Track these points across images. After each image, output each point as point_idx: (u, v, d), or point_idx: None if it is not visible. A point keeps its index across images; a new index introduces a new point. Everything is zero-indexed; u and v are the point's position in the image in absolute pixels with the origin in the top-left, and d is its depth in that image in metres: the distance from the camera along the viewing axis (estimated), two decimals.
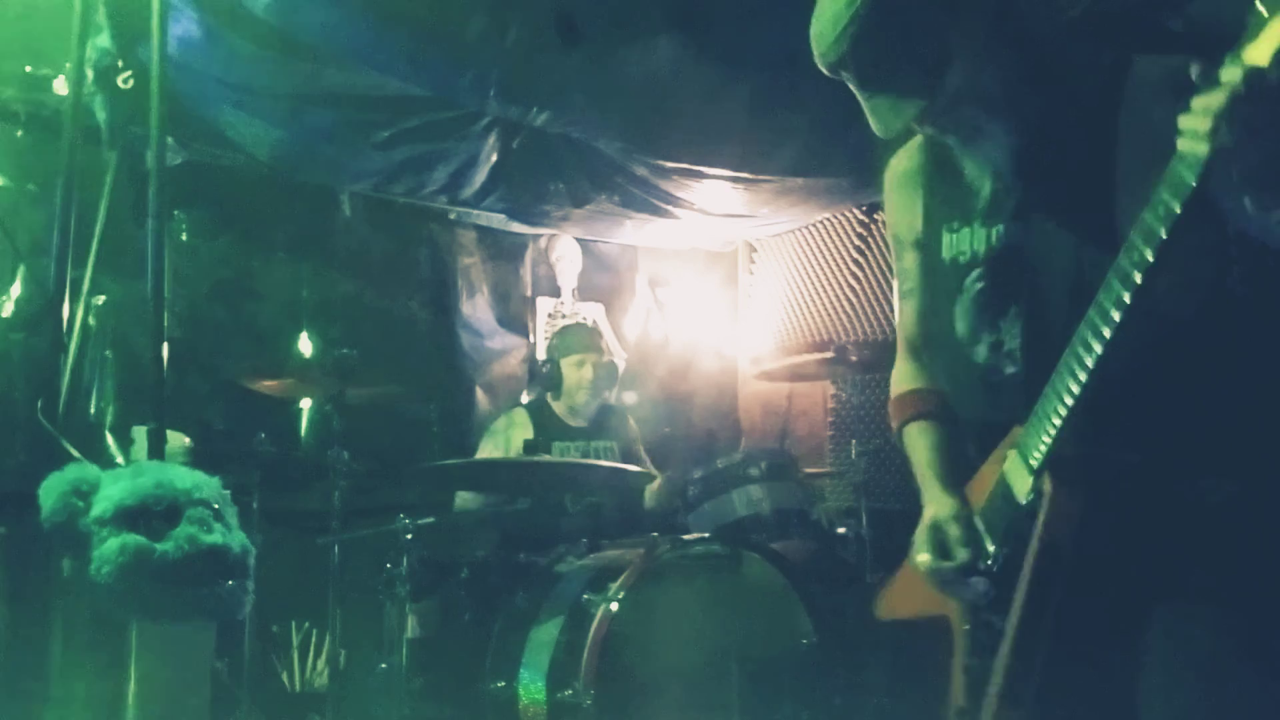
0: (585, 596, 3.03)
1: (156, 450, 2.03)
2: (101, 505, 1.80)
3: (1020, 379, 1.59)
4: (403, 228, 4.98)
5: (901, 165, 1.84)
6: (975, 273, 1.65)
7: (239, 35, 3.32)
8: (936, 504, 1.70)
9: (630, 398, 4.57)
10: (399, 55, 3.54)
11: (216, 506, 1.89)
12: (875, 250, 5.29)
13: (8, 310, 3.51)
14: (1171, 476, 1.46)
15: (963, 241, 1.67)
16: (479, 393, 5.09)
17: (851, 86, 1.59)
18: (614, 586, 2.98)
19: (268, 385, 3.85)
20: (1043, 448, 1.47)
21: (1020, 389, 1.57)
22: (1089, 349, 1.37)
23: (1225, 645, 1.42)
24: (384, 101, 3.85)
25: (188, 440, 3.37)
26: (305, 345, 4.58)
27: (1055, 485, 1.47)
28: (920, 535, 1.68)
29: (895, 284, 1.89)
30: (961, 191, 1.68)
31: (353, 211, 4.78)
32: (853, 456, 4.06)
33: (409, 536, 3.33)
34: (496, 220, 5.21)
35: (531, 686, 3.02)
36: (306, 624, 4.25)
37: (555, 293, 5.42)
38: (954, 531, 1.63)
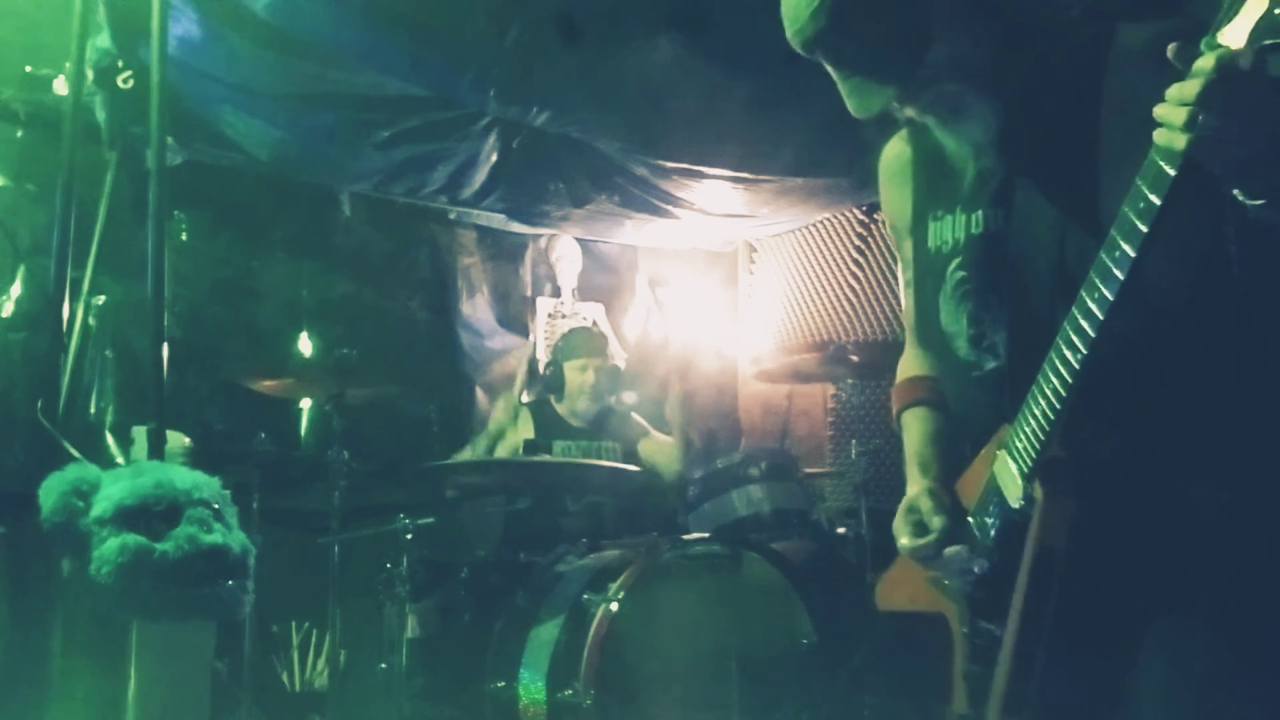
0: (585, 596, 3.03)
1: (156, 450, 2.03)
2: (101, 505, 1.80)
3: (1004, 374, 1.54)
4: (403, 228, 4.98)
5: (891, 154, 1.80)
6: (955, 262, 1.60)
7: (239, 35, 3.32)
8: (911, 486, 1.69)
9: (630, 398, 4.57)
10: (399, 55, 3.54)
11: (216, 506, 1.89)
12: (875, 250, 5.28)
13: (8, 310, 3.51)
14: (1165, 482, 1.42)
15: (945, 230, 1.63)
16: (479, 393, 5.09)
17: (827, 67, 1.55)
18: (614, 586, 2.98)
19: (268, 385, 3.85)
20: (1033, 451, 1.42)
21: (1004, 384, 1.53)
22: (1074, 348, 1.31)
23: (1219, 657, 1.40)
24: (384, 101, 3.85)
25: (188, 440, 3.37)
26: (305, 345, 4.58)
27: (1047, 491, 1.42)
28: (898, 521, 1.66)
29: (899, 273, 1.86)
30: (944, 179, 1.64)
31: (353, 211, 4.78)
32: (853, 456, 4.05)
33: (409, 536, 3.33)
34: (496, 220, 5.21)
35: (531, 686, 3.02)
36: (306, 624, 4.25)
37: (555, 293, 5.42)
38: (925, 504, 1.63)
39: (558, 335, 5.18)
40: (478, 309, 5.18)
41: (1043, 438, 1.40)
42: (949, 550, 1.59)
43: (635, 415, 4.38)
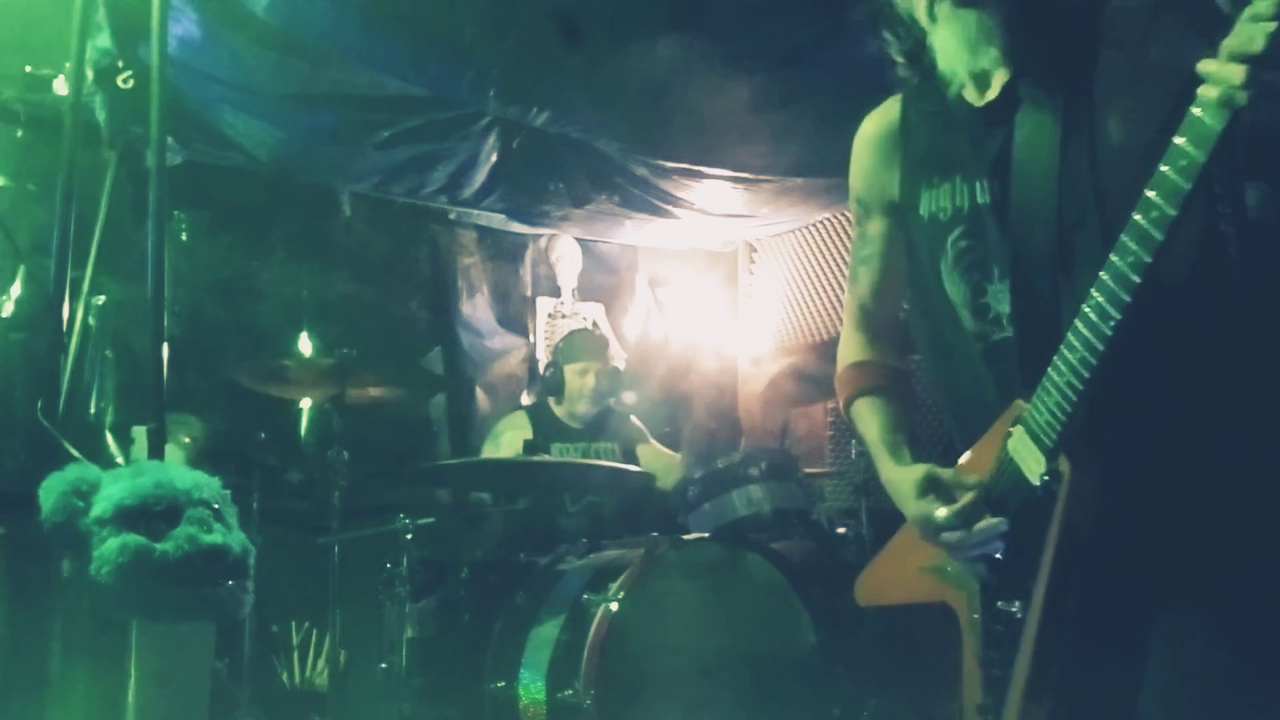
0: (585, 596, 3.03)
1: (156, 450, 2.03)
2: (101, 505, 1.80)
3: (1012, 345, 1.51)
4: (403, 228, 4.98)
5: (875, 126, 1.76)
6: (957, 231, 1.56)
7: (239, 35, 3.32)
8: (910, 470, 1.62)
9: (630, 398, 4.57)
10: (399, 55, 3.54)
11: (216, 506, 1.89)
12: None
13: (8, 310, 3.51)
14: (1190, 461, 1.40)
15: (943, 198, 1.58)
16: (479, 393, 5.09)
17: None
18: (614, 586, 2.98)
19: (268, 385, 3.85)
20: (1058, 425, 1.37)
21: (1013, 356, 1.50)
22: (1106, 317, 1.27)
23: (1225, 653, 1.39)
24: (384, 101, 3.85)
25: (187, 441, 3.37)
26: (305, 345, 4.58)
27: (1074, 466, 1.39)
28: (915, 501, 1.58)
29: (854, 251, 1.80)
30: (942, 145, 1.60)
31: (353, 211, 4.78)
32: (853, 456, 4.06)
33: (409, 536, 3.33)
34: (496, 220, 5.21)
35: (531, 686, 3.02)
36: (306, 624, 4.25)
37: (555, 293, 5.42)
38: (946, 474, 1.56)
39: (558, 335, 5.18)
40: (478, 309, 5.18)
41: (1069, 410, 1.36)
42: (983, 524, 1.51)
43: (634, 419, 4.38)
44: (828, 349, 4.28)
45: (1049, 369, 1.38)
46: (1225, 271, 1.37)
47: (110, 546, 1.76)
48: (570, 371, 4.16)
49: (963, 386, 1.64)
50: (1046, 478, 1.42)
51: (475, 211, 5.08)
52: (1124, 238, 1.25)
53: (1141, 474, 1.41)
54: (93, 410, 3.04)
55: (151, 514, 1.80)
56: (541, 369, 5.08)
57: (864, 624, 3.56)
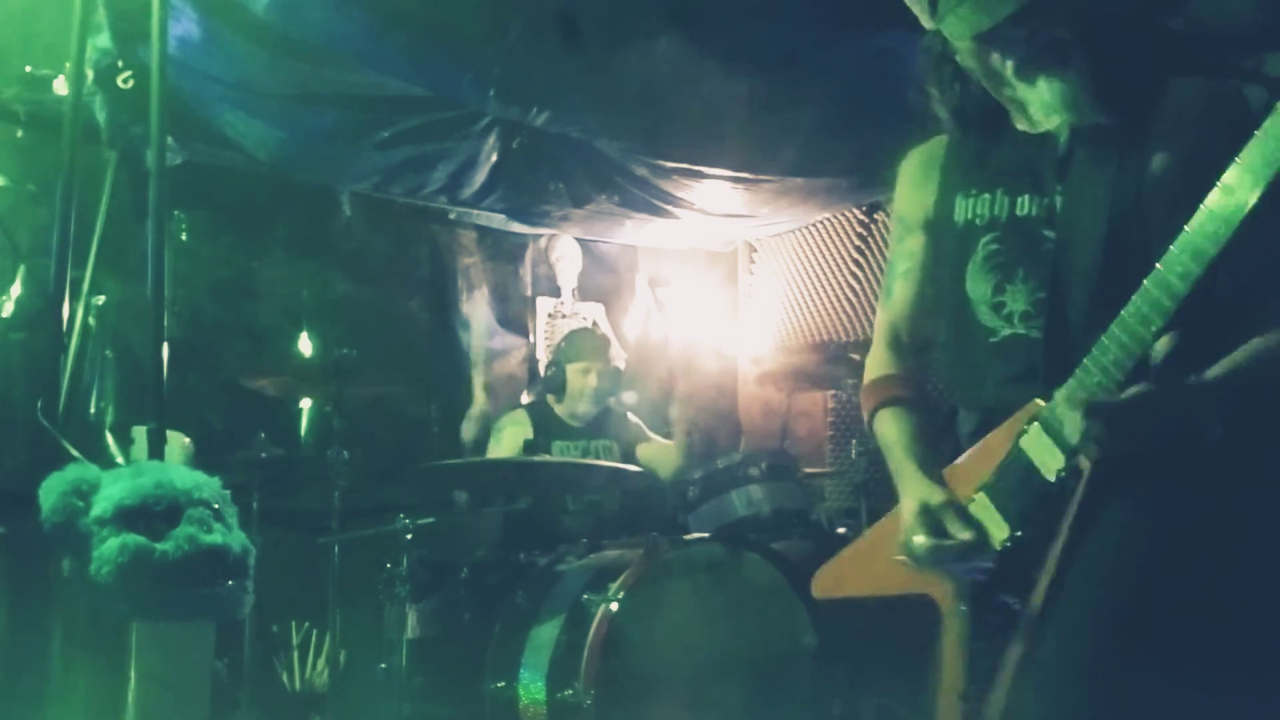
0: (585, 596, 3.03)
1: (156, 450, 2.03)
2: (101, 505, 1.80)
3: (1024, 342, 1.62)
4: (403, 228, 4.98)
5: (922, 152, 1.87)
6: (990, 235, 1.68)
7: (239, 35, 3.32)
8: (923, 489, 1.68)
9: (630, 398, 4.57)
10: (399, 55, 3.54)
11: (216, 506, 1.89)
12: (875, 250, 5.28)
13: (8, 310, 3.51)
14: (1215, 466, 1.49)
15: (980, 206, 1.70)
16: (479, 393, 5.09)
17: None
18: (614, 586, 2.98)
19: (268, 385, 3.85)
20: (1080, 428, 1.45)
21: (1023, 352, 1.61)
22: (1147, 323, 1.40)
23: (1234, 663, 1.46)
24: (384, 101, 3.85)
25: (187, 440, 3.37)
26: (305, 345, 4.58)
27: (1096, 464, 1.46)
28: (911, 520, 1.65)
29: (893, 267, 1.89)
30: (983, 163, 1.72)
31: (353, 211, 4.78)
32: (853, 456, 4.05)
33: (409, 536, 3.32)
34: (496, 220, 5.21)
35: (531, 686, 3.02)
36: (306, 624, 4.25)
37: (555, 293, 5.42)
38: (950, 515, 1.62)
39: (558, 335, 5.18)
40: (478, 309, 5.18)
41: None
42: (976, 560, 1.59)
43: (632, 417, 4.39)
44: (827, 349, 4.29)
45: (1079, 371, 1.48)
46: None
47: (110, 546, 1.76)
48: (572, 370, 4.16)
49: (968, 380, 1.74)
50: (1064, 474, 1.49)
51: (475, 211, 5.07)
52: (1174, 249, 1.38)
53: (1165, 476, 1.48)
54: (93, 410, 3.04)
55: (151, 514, 1.80)
56: (542, 368, 5.09)
57: (865, 626, 3.55)
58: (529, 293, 5.38)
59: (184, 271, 4.14)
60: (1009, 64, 1.59)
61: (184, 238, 4.01)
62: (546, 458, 3.73)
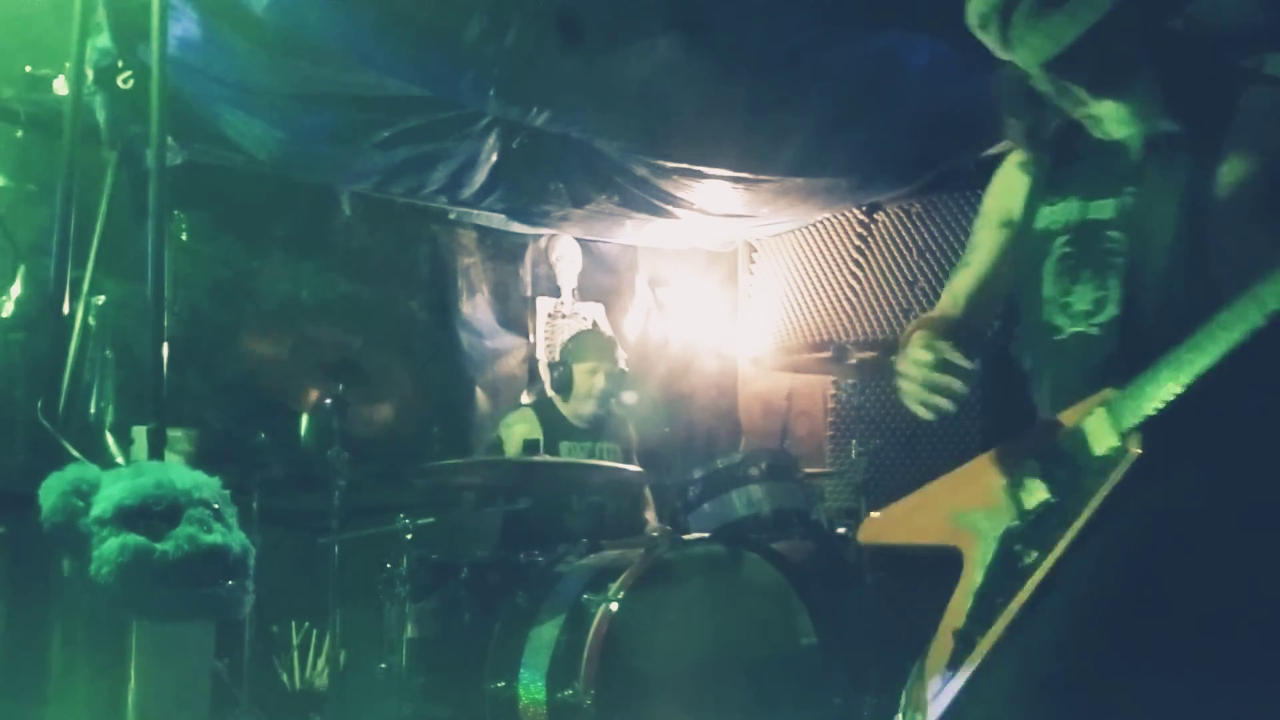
0: (585, 596, 3.03)
1: (156, 450, 2.03)
2: (101, 505, 1.80)
3: (1084, 339, 1.73)
4: (403, 228, 4.97)
5: (1018, 158, 1.96)
6: (1063, 239, 1.79)
7: (239, 35, 3.31)
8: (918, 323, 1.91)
9: (630, 398, 4.57)
10: (399, 55, 3.54)
11: (216, 506, 1.89)
12: (875, 250, 5.29)
13: (8, 310, 3.51)
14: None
15: (1057, 214, 1.81)
16: (479, 393, 5.09)
17: None
18: (614, 586, 2.98)
19: (268, 385, 3.84)
20: (1140, 414, 1.58)
21: (1085, 348, 1.72)
22: (1227, 331, 1.48)
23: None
24: (384, 101, 3.85)
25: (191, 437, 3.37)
26: (305, 345, 4.57)
27: (1145, 452, 1.57)
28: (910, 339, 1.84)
29: (966, 254, 2.05)
30: (1063, 170, 1.84)
31: (353, 211, 4.78)
32: (853, 456, 4.05)
33: (409, 536, 3.33)
34: (496, 220, 5.21)
35: (531, 686, 3.02)
36: (306, 624, 4.24)
37: (555, 293, 5.42)
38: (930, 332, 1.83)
39: (558, 335, 5.18)
40: (478, 309, 5.17)
41: (1162, 407, 1.56)
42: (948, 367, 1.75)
43: (631, 428, 4.40)
44: (827, 349, 4.28)
45: (1156, 364, 1.58)
46: None
47: (110, 546, 1.76)
48: (579, 371, 4.17)
49: (1041, 376, 1.87)
50: (1110, 454, 1.62)
51: (475, 211, 5.07)
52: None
53: (1215, 478, 1.58)
54: (93, 410, 3.04)
55: (151, 514, 1.80)
56: (544, 368, 5.09)
57: (865, 625, 3.56)
58: (529, 293, 5.38)
59: (184, 271, 4.14)
60: (1080, 84, 1.69)
61: (184, 238, 4.00)
62: (547, 458, 3.73)
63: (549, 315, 5.37)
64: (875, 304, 5.25)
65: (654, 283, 5.82)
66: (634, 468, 3.90)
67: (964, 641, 1.70)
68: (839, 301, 5.43)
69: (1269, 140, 1.62)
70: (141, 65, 3.05)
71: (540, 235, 5.38)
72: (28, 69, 3.40)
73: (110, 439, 2.92)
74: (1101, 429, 1.65)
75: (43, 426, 1.99)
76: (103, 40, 3.09)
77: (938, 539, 1.85)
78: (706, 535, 3.37)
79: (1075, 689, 1.51)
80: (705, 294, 5.93)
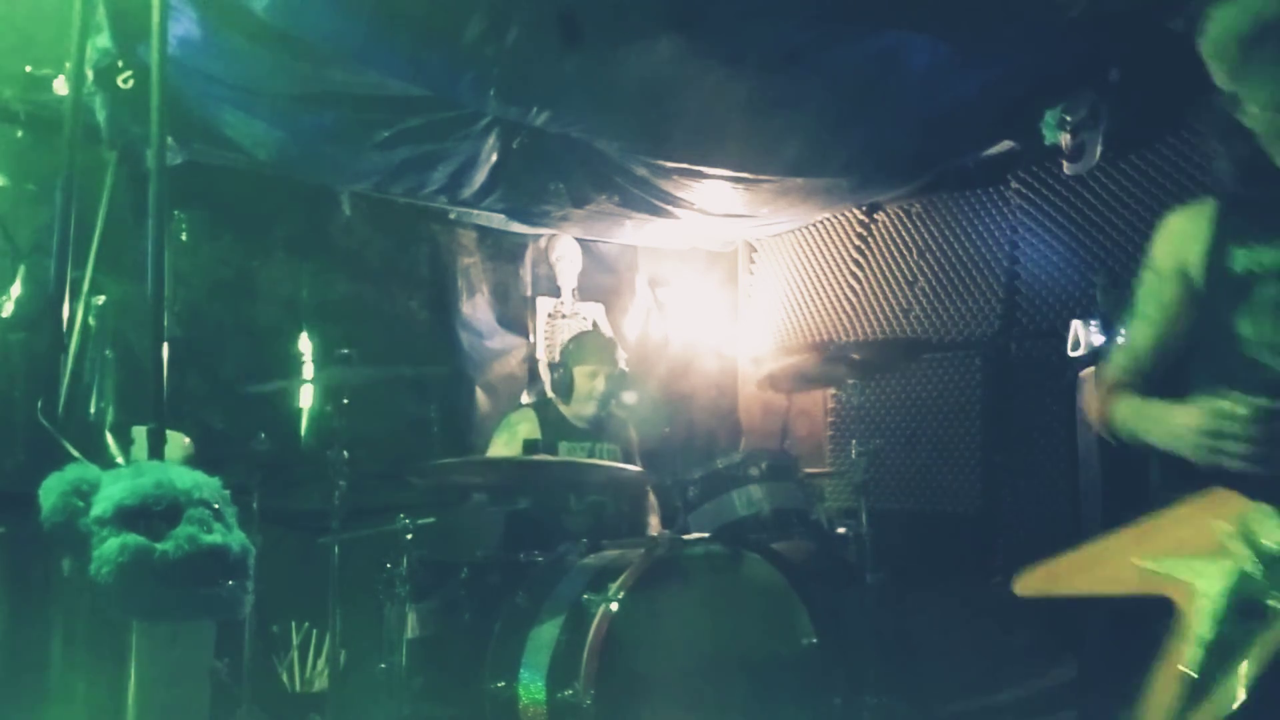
0: (585, 596, 3.03)
1: (156, 450, 2.03)
2: (101, 505, 1.80)
3: None
4: (403, 228, 4.97)
5: (1189, 210, 1.96)
6: (1275, 284, 1.77)
7: (239, 35, 3.31)
8: (1187, 415, 1.78)
9: (631, 398, 4.58)
10: (399, 55, 3.54)
11: (216, 506, 1.89)
12: (875, 250, 5.29)
13: (8, 310, 3.51)
14: None
15: (1263, 255, 1.79)
16: (479, 393, 5.09)
17: None
18: (614, 586, 2.98)
19: (267, 385, 3.85)
20: None
21: None
22: None
23: None
24: (384, 101, 3.85)
25: (187, 440, 3.37)
26: (305, 345, 4.58)
27: None
28: (1196, 413, 1.76)
29: (1135, 313, 2.03)
30: (1268, 212, 1.81)
31: (353, 211, 4.78)
32: (853, 456, 4.05)
33: (409, 536, 3.32)
34: (496, 220, 5.21)
35: (531, 686, 3.02)
36: (306, 624, 4.24)
37: (555, 293, 5.42)
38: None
39: (558, 335, 5.18)
40: (478, 309, 5.18)
41: None
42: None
43: (631, 430, 4.40)
44: (827, 349, 4.29)
45: None
46: None
47: (110, 546, 1.76)
48: (580, 373, 4.18)
49: None
50: None
51: (475, 211, 5.07)
52: None
53: None
54: (93, 410, 3.05)
55: (151, 514, 1.80)
56: (545, 369, 5.09)
57: (865, 626, 3.55)
58: (529, 293, 5.38)
59: (184, 271, 4.14)
60: None
61: (184, 238, 4.01)
62: (547, 458, 3.73)
63: (549, 315, 5.37)
64: (875, 304, 5.26)
65: (654, 283, 5.82)
66: (634, 468, 3.90)
67: (1198, 692, 1.64)
68: (839, 301, 5.43)
69: None
70: (141, 65, 3.05)
71: (540, 235, 5.38)
72: (28, 69, 3.40)
73: (110, 439, 2.92)
74: None
75: (43, 426, 1.99)
76: (103, 40, 3.10)
77: (1130, 589, 1.81)
78: (706, 535, 3.37)
79: None
80: (705, 294, 5.93)
